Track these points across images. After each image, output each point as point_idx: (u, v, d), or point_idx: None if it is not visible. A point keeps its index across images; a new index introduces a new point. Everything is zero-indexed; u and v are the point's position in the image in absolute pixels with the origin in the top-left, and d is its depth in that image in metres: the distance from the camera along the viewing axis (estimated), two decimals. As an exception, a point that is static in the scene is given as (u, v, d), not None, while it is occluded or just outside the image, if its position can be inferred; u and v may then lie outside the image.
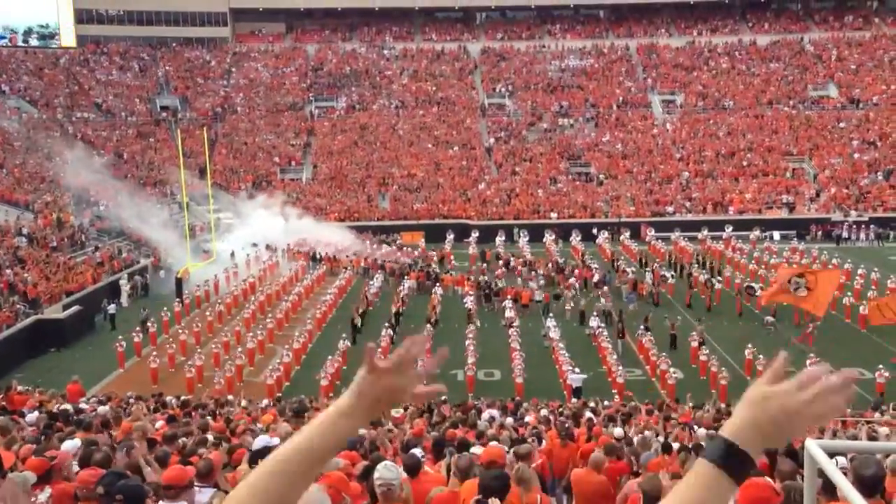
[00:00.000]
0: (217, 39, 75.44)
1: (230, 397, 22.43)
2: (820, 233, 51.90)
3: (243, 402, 20.31)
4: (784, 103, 66.11)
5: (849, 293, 34.70)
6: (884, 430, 13.52)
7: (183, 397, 20.59)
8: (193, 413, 16.35)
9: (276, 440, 7.39)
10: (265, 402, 21.62)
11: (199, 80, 71.36)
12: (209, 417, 14.60)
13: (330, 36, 77.01)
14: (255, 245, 46.32)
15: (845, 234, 51.19)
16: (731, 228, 49.36)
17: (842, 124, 63.14)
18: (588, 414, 17.03)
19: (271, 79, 71.65)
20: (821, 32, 73.66)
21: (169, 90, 70.30)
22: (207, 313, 34.74)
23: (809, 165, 59.58)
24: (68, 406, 14.56)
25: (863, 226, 52.10)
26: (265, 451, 6.56)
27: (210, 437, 10.11)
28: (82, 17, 73.74)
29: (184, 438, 9.92)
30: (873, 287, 35.35)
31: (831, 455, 2.26)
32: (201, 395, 23.21)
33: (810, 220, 53.05)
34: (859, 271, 37.98)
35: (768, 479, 6.04)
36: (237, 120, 67.12)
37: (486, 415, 17.21)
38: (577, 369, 26.13)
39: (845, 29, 73.47)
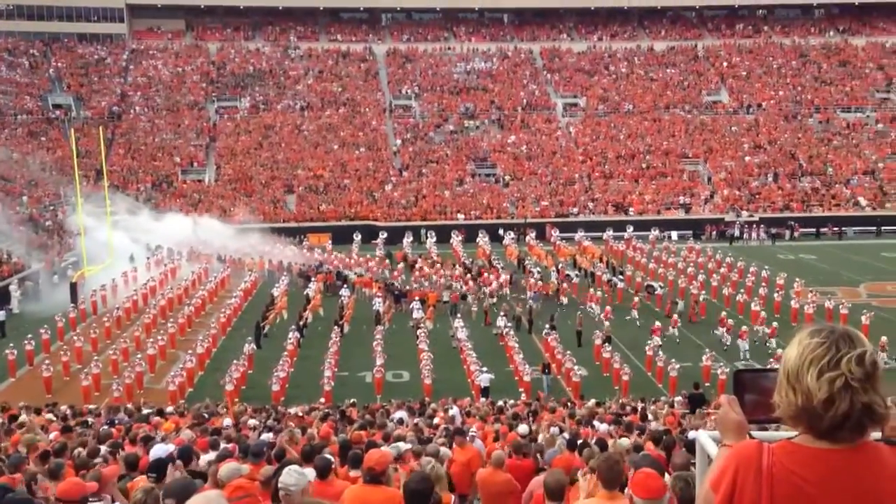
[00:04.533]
0: (113, 36, 72.81)
1: (127, 405, 21.72)
2: (714, 233, 54.06)
3: (170, 409, 19.79)
4: (680, 108, 68.48)
5: (741, 290, 36.24)
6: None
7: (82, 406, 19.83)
8: (95, 421, 15.81)
9: (172, 447, 7.19)
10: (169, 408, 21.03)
11: (94, 78, 68.78)
12: (107, 426, 14.11)
13: (232, 34, 75.45)
14: (158, 247, 45.04)
15: (737, 234, 53.47)
16: (631, 229, 50.81)
17: (734, 128, 65.88)
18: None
19: (171, 77, 69.68)
20: (713, 40, 76.63)
21: (62, 88, 67.52)
22: (105, 319, 33.53)
23: (704, 168, 61.93)
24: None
25: (754, 225, 54.54)
26: (163, 462, 6.38)
27: (104, 447, 9.77)
28: (-34, 10, 70.00)
29: (79, 449, 9.56)
30: (764, 284, 37.01)
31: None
32: (99, 405, 22.42)
33: (705, 221, 55.20)
34: (751, 269, 39.69)
35: (666, 471, 6.26)
36: (135, 119, 65.03)
37: (395, 416, 17.21)
38: (484, 369, 26.41)
39: (736, 37, 76.66)
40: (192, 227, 48.07)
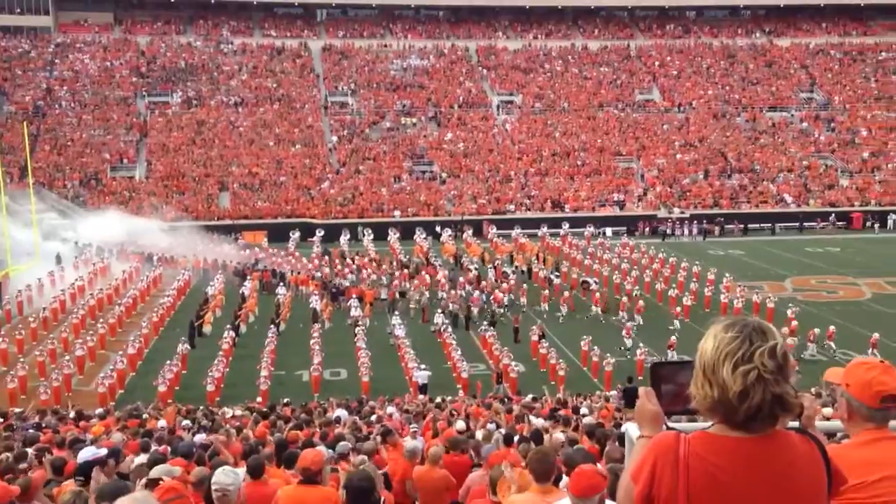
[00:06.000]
0: (38, 28, 70.50)
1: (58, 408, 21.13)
2: (647, 229, 55.08)
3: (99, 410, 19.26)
4: (613, 106, 69.57)
5: (673, 285, 37.03)
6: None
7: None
8: (21, 425, 15.32)
9: (103, 451, 7.04)
10: (99, 410, 20.53)
11: (17, 72, 66.57)
12: (32, 430, 13.71)
13: (163, 28, 73.81)
14: (88, 245, 43.85)
15: (669, 230, 54.61)
16: (567, 226, 51.42)
17: (665, 126, 67.24)
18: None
19: (98, 71, 67.84)
20: (645, 39, 78.04)
21: (-17, 81, 65.16)
22: (31, 320, 32.51)
23: (637, 165, 63.06)
24: None
25: (685, 222, 55.77)
26: (91, 465, 6.25)
27: (31, 451, 9.49)
28: None
29: (6, 454, 9.27)
30: (695, 279, 37.89)
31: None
32: (26, 408, 21.77)
33: (638, 217, 56.21)
34: (682, 265, 40.58)
35: (598, 464, 6.39)
36: (62, 114, 63.14)
37: (333, 414, 17.13)
38: (422, 366, 26.46)
39: (667, 37, 78.20)
40: (123, 224, 46.89)
